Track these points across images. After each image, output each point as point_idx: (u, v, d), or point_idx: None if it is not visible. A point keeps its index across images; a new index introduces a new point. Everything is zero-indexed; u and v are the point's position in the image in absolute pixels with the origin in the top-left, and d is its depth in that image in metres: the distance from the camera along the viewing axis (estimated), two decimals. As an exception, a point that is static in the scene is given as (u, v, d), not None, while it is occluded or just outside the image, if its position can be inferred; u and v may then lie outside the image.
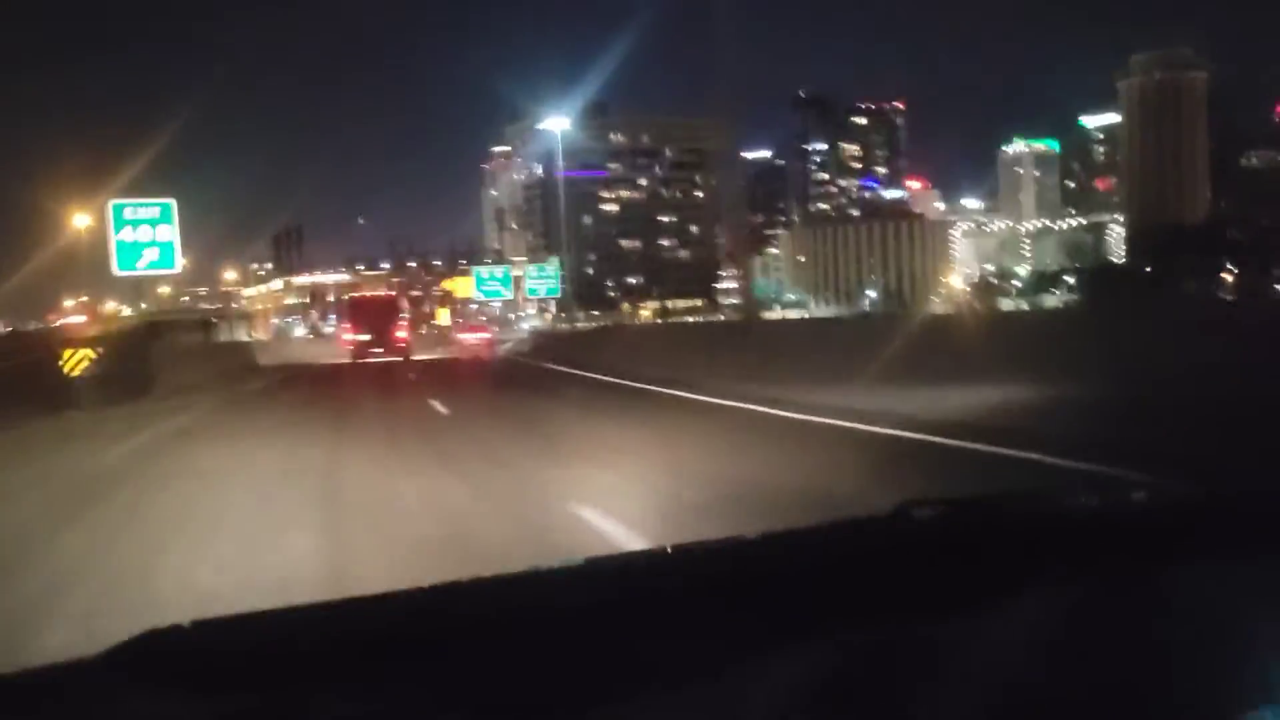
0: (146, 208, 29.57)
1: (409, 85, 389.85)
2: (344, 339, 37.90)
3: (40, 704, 0.78)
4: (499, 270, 79.10)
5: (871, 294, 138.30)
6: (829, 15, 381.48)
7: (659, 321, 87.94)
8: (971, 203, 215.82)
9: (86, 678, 0.85)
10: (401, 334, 35.75)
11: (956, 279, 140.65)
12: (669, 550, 1.13)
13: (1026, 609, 0.96)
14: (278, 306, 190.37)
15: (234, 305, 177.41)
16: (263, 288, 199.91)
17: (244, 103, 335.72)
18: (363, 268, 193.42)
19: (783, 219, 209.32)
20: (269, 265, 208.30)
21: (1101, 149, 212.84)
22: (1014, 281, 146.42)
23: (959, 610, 0.98)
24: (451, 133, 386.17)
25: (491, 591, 1.04)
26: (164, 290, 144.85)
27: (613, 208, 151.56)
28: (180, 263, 28.96)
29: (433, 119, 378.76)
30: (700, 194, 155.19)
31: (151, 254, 29.26)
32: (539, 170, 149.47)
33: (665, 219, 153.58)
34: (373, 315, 36.11)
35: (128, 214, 29.33)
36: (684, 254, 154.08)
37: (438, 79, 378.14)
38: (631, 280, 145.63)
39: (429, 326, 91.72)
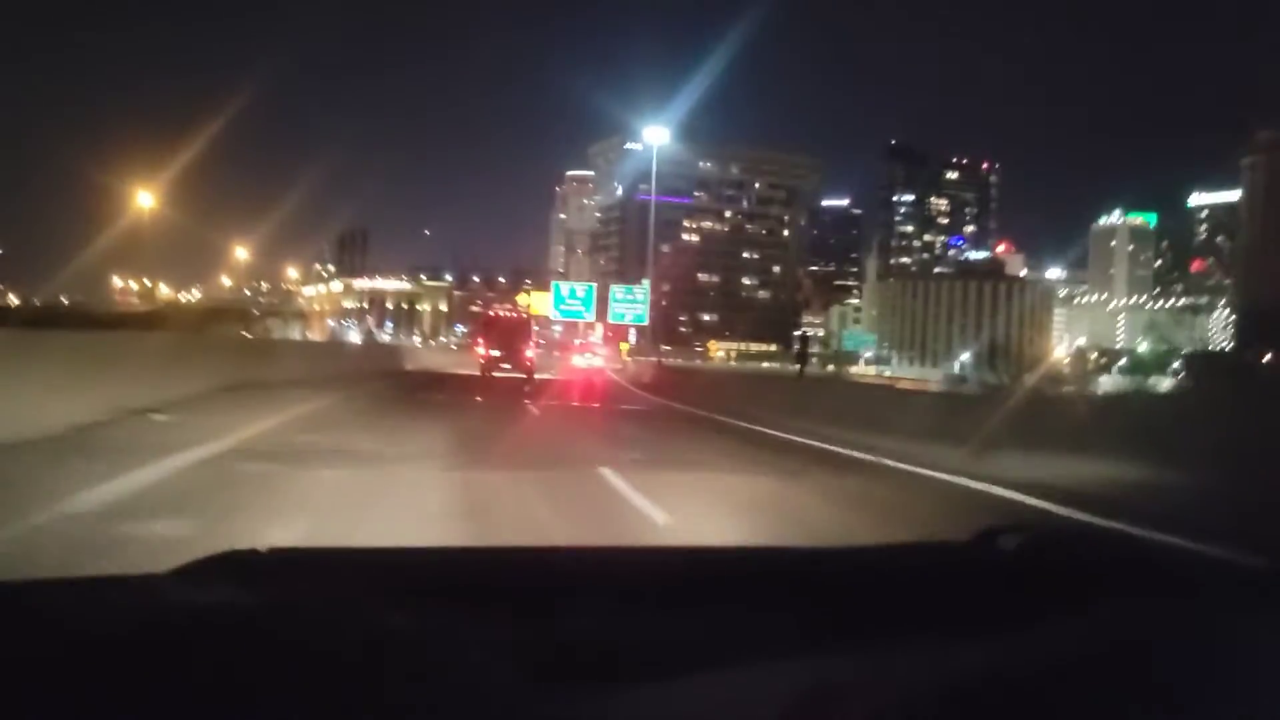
0: None
1: (489, 100, 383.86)
2: (477, 353, 39.15)
3: (111, 603, 0.79)
4: (580, 288, 67.34)
5: (964, 358, 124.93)
6: (926, 66, 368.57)
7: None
8: (1054, 271, 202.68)
9: (155, 585, 0.86)
10: (529, 353, 36.07)
11: (1060, 350, 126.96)
12: (751, 549, 1.14)
13: (1080, 636, 0.96)
14: (335, 308, 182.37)
15: (298, 302, 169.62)
16: (322, 287, 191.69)
17: (319, 96, 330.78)
18: (425, 277, 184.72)
19: (855, 270, 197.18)
20: (331, 266, 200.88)
21: (1204, 228, 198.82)
22: (1119, 360, 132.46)
23: (1018, 630, 0.97)
24: (526, 152, 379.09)
25: (559, 560, 1.05)
26: (226, 282, 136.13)
27: (694, 238, 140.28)
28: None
29: (509, 135, 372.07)
30: (786, 232, 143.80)
31: None
32: (619, 191, 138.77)
33: (747, 255, 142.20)
34: (504, 334, 37.07)
35: None
36: (763, 294, 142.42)
37: (518, 95, 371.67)
38: (705, 316, 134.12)
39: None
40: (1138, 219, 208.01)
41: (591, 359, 50.00)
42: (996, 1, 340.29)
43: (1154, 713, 0.86)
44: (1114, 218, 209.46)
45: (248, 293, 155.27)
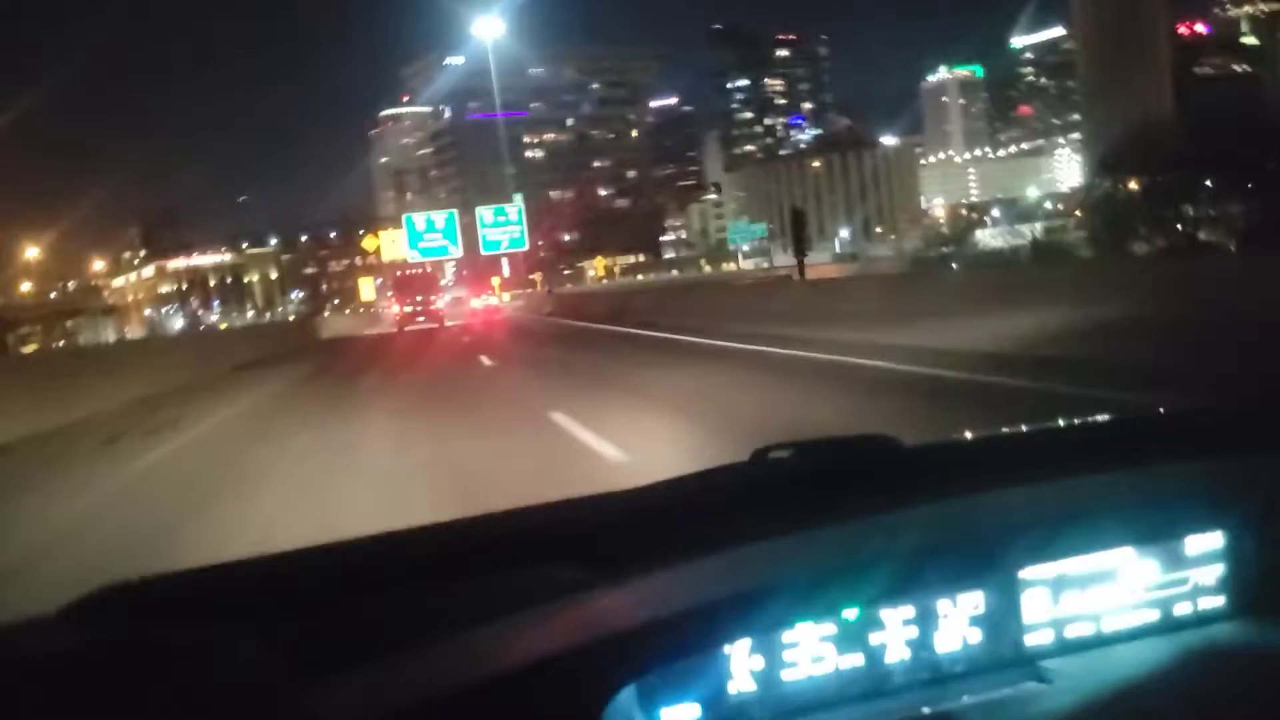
0: None
1: (286, 56, 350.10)
2: (391, 311, 39.58)
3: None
4: (439, 217, 52.81)
5: (843, 234, 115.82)
6: None
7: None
8: (889, 138, 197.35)
9: (41, 629, 0.89)
10: (439, 305, 36.28)
11: (938, 211, 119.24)
12: (548, 504, 1.21)
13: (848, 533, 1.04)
14: (151, 296, 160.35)
15: (102, 296, 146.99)
16: (132, 276, 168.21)
17: (112, 73, 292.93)
18: (247, 245, 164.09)
19: (695, 169, 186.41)
20: (143, 252, 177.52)
21: (1030, 71, 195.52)
22: (990, 212, 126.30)
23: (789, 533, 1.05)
24: (334, 98, 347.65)
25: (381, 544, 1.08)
26: (25, 287, 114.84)
27: (538, 154, 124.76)
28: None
29: (313, 83, 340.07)
30: (635, 133, 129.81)
31: None
32: (446, 114, 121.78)
33: (598, 164, 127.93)
34: (415, 290, 37.14)
35: None
36: (621, 203, 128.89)
37: (317, 45, 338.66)
38: (565, 236, 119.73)
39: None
40: (965, 71, 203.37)
41: (488, 299, 48.72)
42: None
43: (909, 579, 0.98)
44: (941, 74, 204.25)
45: (54, 295, 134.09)
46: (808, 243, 26.98)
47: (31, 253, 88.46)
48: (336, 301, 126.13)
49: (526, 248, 53.95)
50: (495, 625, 0.89)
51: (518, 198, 55.75)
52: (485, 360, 15.50)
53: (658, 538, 1.06)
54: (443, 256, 53.04)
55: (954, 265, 58.05)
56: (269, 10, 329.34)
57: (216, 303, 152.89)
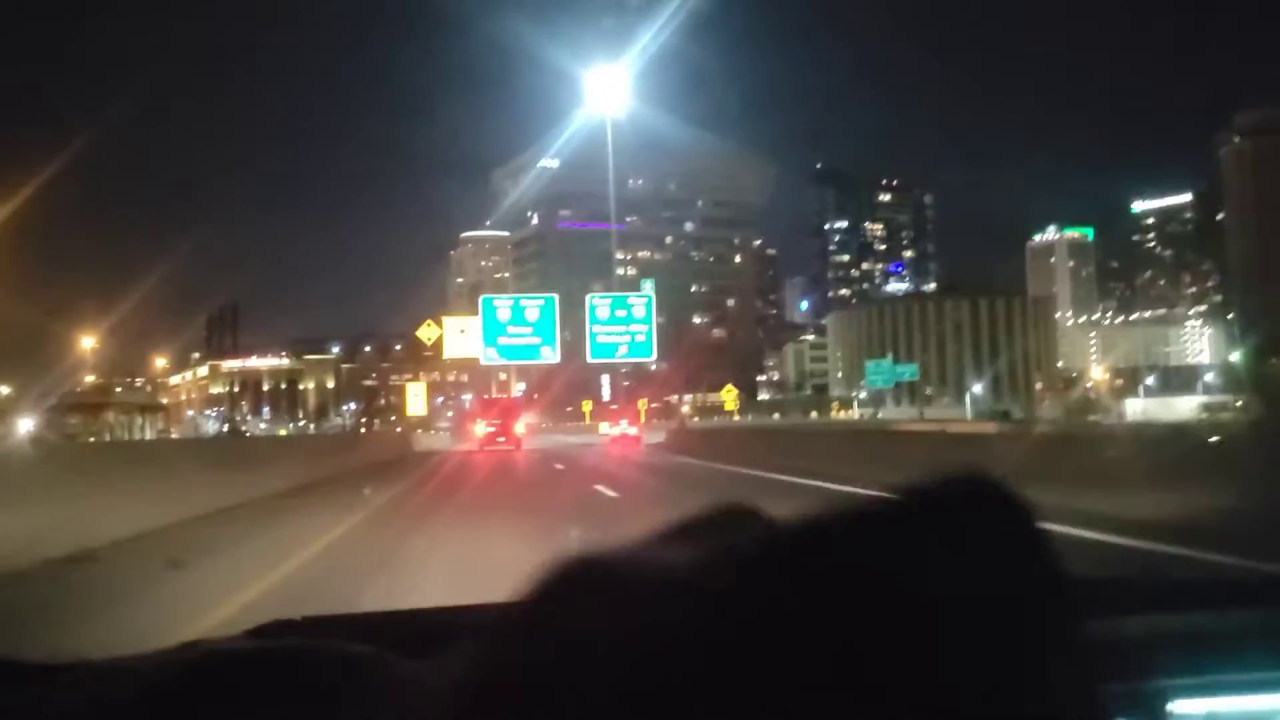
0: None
1: (379, 162, 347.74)
2: (474, 432, 38.29)
3: (191, 675, 0.77)
4: (533, 305, 34.56)
5: (976, 389, 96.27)
6: (847, 88, 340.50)
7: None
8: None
9: (229, 651, 0.90)
10: (519, 430, 35.30)
11: (1096, 373, 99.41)
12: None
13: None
14: (203, 396, 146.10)
15: (146, 391, 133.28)
16: (187, 374, 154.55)
17: (189, 167, 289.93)
18: (307, 352, 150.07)
19: (774, 312, 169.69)
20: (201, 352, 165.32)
21: (1147, 238, 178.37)
22: (1146, 381, 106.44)
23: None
24: (419, 214, 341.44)
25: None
26: (89, 378, 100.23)
27: (630, 271, 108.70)
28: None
29: (401, 195, 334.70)
30: (738, 258, 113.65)
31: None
32: (534, 220, 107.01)
33: (695, 289, 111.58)
34: (498, 414, 36.40)
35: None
36: (717, 333, 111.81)
37: (402, 166, 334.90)
38: (652, 365, 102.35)
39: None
40: (1076, 233, 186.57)
41: (626, 427, 38.16)
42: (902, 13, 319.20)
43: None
44: (1050, 234, 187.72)
45: (119, 390, 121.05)
46: None
47: (88, 344, 74.49)
48: (393, 419, 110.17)
49: (654, 356, 35.62)
50: None
51: (648, 285, 37.79)
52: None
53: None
54: (531, 360, 34.86)
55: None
56: (368, 117, 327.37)
57: (266, 409, 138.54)
